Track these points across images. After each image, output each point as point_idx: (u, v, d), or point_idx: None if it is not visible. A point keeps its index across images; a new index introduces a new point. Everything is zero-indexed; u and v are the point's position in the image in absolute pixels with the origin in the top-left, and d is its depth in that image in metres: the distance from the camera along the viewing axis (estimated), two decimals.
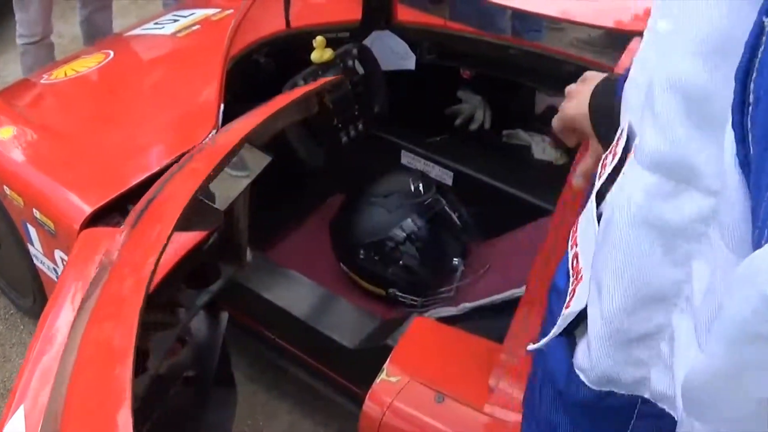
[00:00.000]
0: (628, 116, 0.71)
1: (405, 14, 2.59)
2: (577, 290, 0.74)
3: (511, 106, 2.73)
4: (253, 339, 2.36)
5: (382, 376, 1.57)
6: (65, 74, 2.46)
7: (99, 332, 1.20)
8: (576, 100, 1.27)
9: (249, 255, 1.93)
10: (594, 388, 0.70)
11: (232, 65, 2.31)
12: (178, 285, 1.71)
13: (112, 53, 2.53)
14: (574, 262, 0.77)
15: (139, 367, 1.63)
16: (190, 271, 1.76)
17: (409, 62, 2.55)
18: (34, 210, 2.07)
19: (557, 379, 0.77)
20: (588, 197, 0.80)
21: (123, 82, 2.45)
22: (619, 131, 0.73)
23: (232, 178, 1.66)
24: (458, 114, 2.79)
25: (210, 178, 1.48)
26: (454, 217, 2.40)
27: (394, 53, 2.53)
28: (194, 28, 2.65)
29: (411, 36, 2.54)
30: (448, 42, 2.55)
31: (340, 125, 2.27)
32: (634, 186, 0.66)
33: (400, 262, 2.28)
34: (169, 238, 1.25)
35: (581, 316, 0.72)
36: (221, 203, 1.63)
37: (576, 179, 1.33)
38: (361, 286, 2.40)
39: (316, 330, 2.11)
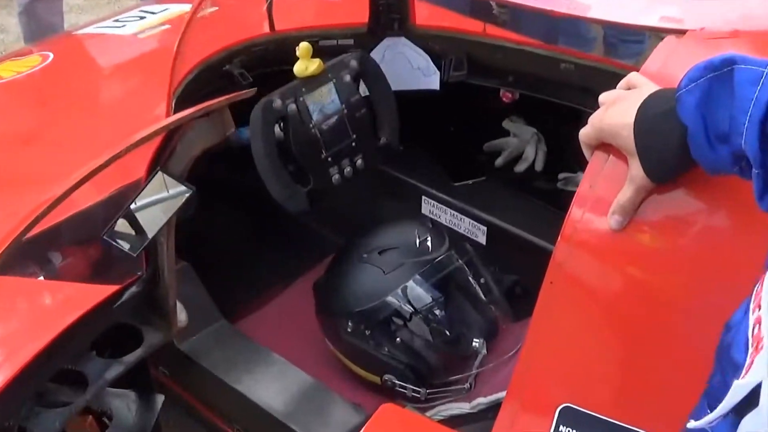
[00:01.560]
0: None
1: (428, 16, 2.63)
2: (755, 361, 0.79)
3: (571, 142, 2.73)
4: None
5: None
6: None
7: None
8: (620, 108, 1.30)
9: (184, 318, 1.98)
10: None
11: (197, 76, 2.40)
12: (79, 351, 1.77)
13: (51, 56, 2.64)
14: (756, 329, 0.82)
15: None
16: (101, 334, 1.83)
17: (432, 80, 2.58)
18: None
19: None
20: None
21: (58, 92, 2.54)
22: None
23: (147, 215, 1.71)
24: (501, 150, 2.82)
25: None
26: (476, 284, 2.42)
27: (411, 68, 2.56)
28: (162, 27, 2.75)
29: (434, 45, 2.57)
30: (483, 54, 2.56)
31: (329, 159, 2.29)
32: None
33: (398, 339, 2.30)
34: None
35: (755, 392, 0.77)
36: (134, 247, 1.68)
37: (612, 218, 1.35)
38: (351, 370, 2.43)
39: (286, 425, 2.15)
